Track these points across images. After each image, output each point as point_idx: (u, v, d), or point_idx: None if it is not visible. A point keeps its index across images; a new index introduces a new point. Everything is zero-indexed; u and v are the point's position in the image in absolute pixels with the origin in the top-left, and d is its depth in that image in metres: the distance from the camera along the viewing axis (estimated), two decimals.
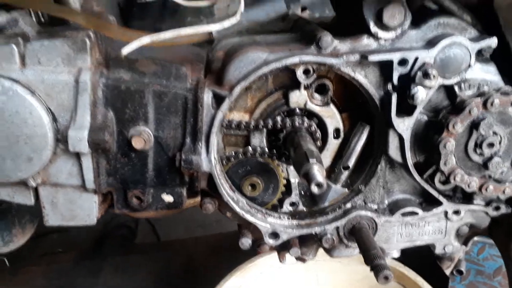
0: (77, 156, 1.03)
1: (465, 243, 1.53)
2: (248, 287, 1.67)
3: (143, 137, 1.01)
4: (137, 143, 1.01)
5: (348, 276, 1.72)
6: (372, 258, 1.00)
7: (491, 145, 1.01)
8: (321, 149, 1.14)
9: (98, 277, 2.30)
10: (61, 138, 1.01)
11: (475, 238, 2.19)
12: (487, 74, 1.02)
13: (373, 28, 0.97)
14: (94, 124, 0.99)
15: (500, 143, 1.01)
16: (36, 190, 1.09)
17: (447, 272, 1.82)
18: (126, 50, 0.85)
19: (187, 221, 2.98)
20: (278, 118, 1.10)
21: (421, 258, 1.73)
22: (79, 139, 0.98)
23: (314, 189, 0.87)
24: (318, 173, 0.89)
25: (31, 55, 0.98)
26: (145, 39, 0.82)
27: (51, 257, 2.45)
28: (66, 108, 1.00)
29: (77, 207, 1.11)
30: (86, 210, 1.12)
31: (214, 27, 0.87)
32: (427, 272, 1.74)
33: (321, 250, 1.25)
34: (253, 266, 1.72)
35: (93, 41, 0.99)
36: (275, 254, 1.63)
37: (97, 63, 1.01)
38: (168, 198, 1.12)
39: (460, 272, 2.10)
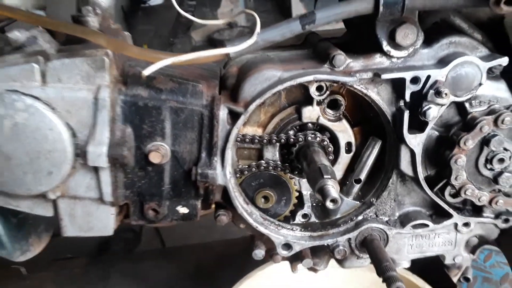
0: (96, 170, 1.05)
1: (472, 252, 1.55)
2: None
3: (160, 152, 1.04)
4: (154, 158, 1.04)
5: (357, 283, 1.74)
6: (384, 270, 1.02)
7: (501, 160, 1.03)
8: (333, 162, 1.16)
9: (107, 283, 2.34)
10: (80, 153, 1.03)
11: None
12: (498, 91, 1.05)
13: (386, 47, 0.99)
14: (113, 139, 1.02)
15: (510, 158, 1.03)
16: (55, 202, 1.12)
17: (455, 280, 1.84)
18: (148, 71, 0.88)
19: (189, 222, 3.00)
20: (291, 133, 1.13)
21: (428, 266, 1.76)
22: (98, 154, 1.01)
23: (329, 205, 0.89)
24: (333, 189, 0.91)
25: (51, 73, 1.00)
26: (167, 61, 0.84)
27: (61, 263, 2.48)
28: (85, 124, 1.02)
29: (94, 219, 1.14)
30: (103, 222, 1.14)
31: (231, 50, 0.89)
32: (435, 280, 1.76)
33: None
34: (263, 273, 1.74)
35: (111, 58, 1.02)
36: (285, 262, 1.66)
37: (115, 80, 1.03)
38: (183, 210, 1.15)
39: (467, 279, 2.11)
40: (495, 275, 2.25)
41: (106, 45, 0.92)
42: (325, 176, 0.93)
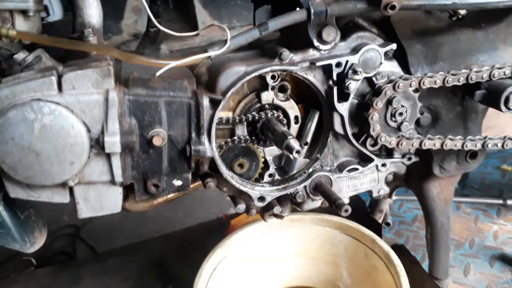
0: (108, 157, 1.32)
1: (389, 195, 2.07)
2: (232, 257, 2.02)
3: (160, 136, 1.34)
4: (157, 141, 1.33)
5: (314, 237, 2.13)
6: (334, 200, 1.43)
7: (400, 114, 1.50)
8: None
9: (79, 286, 2.45)
10: (93, 144, 1.29)
11: (394, 197, 2.81)
12: (392, 67, 1.51)
13: (316, 43, 1.40)
14: (123, 130, 1.30)
15: (406, 112, 1.51)
16: (71, 190, 1.36)
17: (380, 220, 2.34)
18: (159, 73, 1.18)
19: (128, 235, 3.14)
20: (254, 113, 1.49)
21: (358, 212, 2.24)
22: (114, 142, 1.27)
23: (296, 155, 1.27)
24: (296, 144, 1.29)
25: (66, 83, 1.24)
26: (172, 64, 1.16)
27: (28, 275, 2.55)
28: (97, 121, 1.28)
29: (105, 199, 1.39)
30: (113, 201, 1.40)
31: (213, 53, 1.24)
32: (365, 223, 2.23)
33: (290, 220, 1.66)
34: (231, 241, 2.07)
35: (113, 67, 1.30)
36: (248, 227, 2.03)
37: (118, 83, 1.32)
38: (177, 182, 1.45)
39: (388, 224, 2.66)
40: (407, 218, 2.83)
41: (119, 57, 1.20)
42: (288, 137, 1.32)
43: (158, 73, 1.19)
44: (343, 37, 1.45)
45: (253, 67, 1.38)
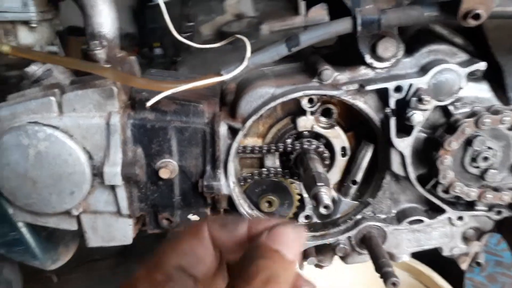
0: (112, 187, 1.16)
1: (478, 239, 1.62)
2: None
3: (168, 168, 1.14)
4: (164, 174, 1.14)
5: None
6: (381, 266, 1.10)
7: (485, 158, 1.09)
8: (330, 166, 1.24)
9: None
10: (97, 173, 1.14)
11: None
12: (480, 92, 1.10)
13: (369, 60, 1.06)
14: (125, 160, 1.12)
15: (494, 156, 1.09)
16: (78, 217, 1.24)
17: (464, 266, 1.89)
18: (150, 103, 0.97)
19: None
20: (288, 141, 1.21)
21: (435, 255, 1.83)
22: (114, 174, 1.12)
23: (322, 210, 0.98)
24: (326, 196, 0.99)
25: (67, 104, 1.11)
26: (167, 93, 0.94)
27: (90, 265, 2.64)
28: (100, 147, 1.13)
29: (114, 230, 1.25)
30: (123, 232, 1.26)
31: (226, 77, 0.98)
32: (442, 267, 1.82)
33: None
34: None
35: (119, 87, 1.12)
36: None
37: (124, 105, 1.14)
38: (194, 217, 1.25)
39: (478, 264, 2.17)
40: (506, 258, 2.29)
41: (113, 78, 1.02)
42: (318, 184, 1.02)
43: (149, 103, 0.97)
44: (409, 51, 1.08)
45: (283, 89, 1.09)
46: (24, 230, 1.40)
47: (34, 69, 1.21)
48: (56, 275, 2.38)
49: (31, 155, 1.10)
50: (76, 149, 1.12)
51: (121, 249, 2.87)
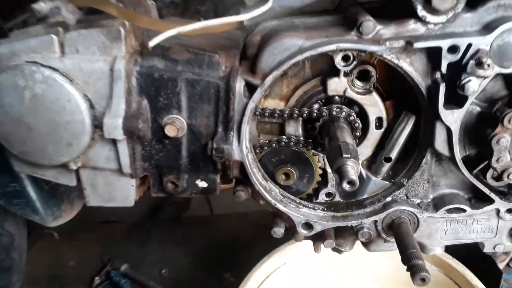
0: (114, 142, 1.05)
1: None
2: (287, 268, 1.67)
3: (176, 125, 1.01)
4: (170, 131, 1.01)
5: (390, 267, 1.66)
6: (409, 258, 0.94)
7: None
8: (361, 139, 1.08)
9: (146, 249, 2.42)
10: (98, 125, 1.03)
11: None
12: None
13: (421, 11, 0.87)
14: (128, 111, 1.00)
15: None
16: (77, 172, 1.13)
17: (502, 265, 1.71)
18: (152, 43, 0.84)
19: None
20: (315, 106, 1.05)
21: (471, 250, 1.64)
22: (114, 126, 1.00)
23: (346, 186, 0.83)
24: (352, 170, 0.84)
25: (69, 44, 0.99)
26: (171, 32, 0.79)
27: (105, 226, 2.60)
28: (103, 95, 1.01)
29: (115, 189, 1.14)
30: (124, 193, 1.15)
31: (243, 17, 0.82)
32: (477, 265, 1.64)
33: None
34: (292, 248, 1.71)
35: (128, 29, 0.99)
36: None
37: (132, 51, 1.01)
38: (202, 184, 1.12)
39: None
40: None
41: (117, 15, 0.89)
42: (344, 155, 0.86)
43: (151, 43, 0.83)
44: (472, 5, 0.88)
45: (314, 42, 0.93)
46: (26, 182, 1.32)
47: (42, 6, 1.09)
48: (66, 233, 2.34)
49: (26, 98, 0.99)
50: (76, 95, 1.00)
51: (140, 213, 2.85)
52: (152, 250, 2.42)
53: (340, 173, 0.84)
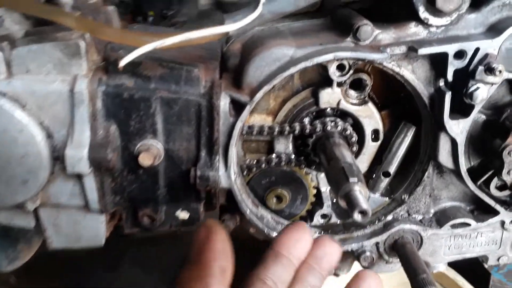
0: (78, 176, 0.90)
1: None
2: None
3: (151, 152, 0.87)
4: (145, 160, 0.87)
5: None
6: (421, 285, 0.86)
7: None
8: (357, 153, 0.99)
9: (117, 272, 2.23)
10: (59, 156, 0.87)
11: None
12: None
13: (423, 13, 0.79)
14: (94, 140, 0.85)
15: None
16: (36, 212, 0.97)
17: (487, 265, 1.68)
18: (123, 62, 0.70)
19: None
20: (306, 121, 0.95)
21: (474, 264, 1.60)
22: (78, 158, 0.85)
23: (358, 217, 0.72)
24: (362, 196, 0.74)
25: (18, 62, 0.83)
26: (146, 48, 0.66)
27: (67, 253, 2.38)
28: (62, 122, 0.86)
29: (82, 228, 0.99)
30: (93, 231, 0.99)
31: (231, 27, 0.70)
32: (465, 266, 1.60)
33: None
34: None
35: (88, 42, 0.84)
36: None
37: (95, 67, 0.86)
38: (183, 214, 0.99)
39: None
40: None
41: (77, 27, 0.74)
42: (350, 180, 0.76)
43: (122, 62, 0.69)
44: (475, 5, 0.81)
45: (306, 51, 0.83)
46: None
47: None
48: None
49: None
50: (28, 123, 0.84)
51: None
52: (123, 275, 2.24)
53: (350, 202, 0.74)
